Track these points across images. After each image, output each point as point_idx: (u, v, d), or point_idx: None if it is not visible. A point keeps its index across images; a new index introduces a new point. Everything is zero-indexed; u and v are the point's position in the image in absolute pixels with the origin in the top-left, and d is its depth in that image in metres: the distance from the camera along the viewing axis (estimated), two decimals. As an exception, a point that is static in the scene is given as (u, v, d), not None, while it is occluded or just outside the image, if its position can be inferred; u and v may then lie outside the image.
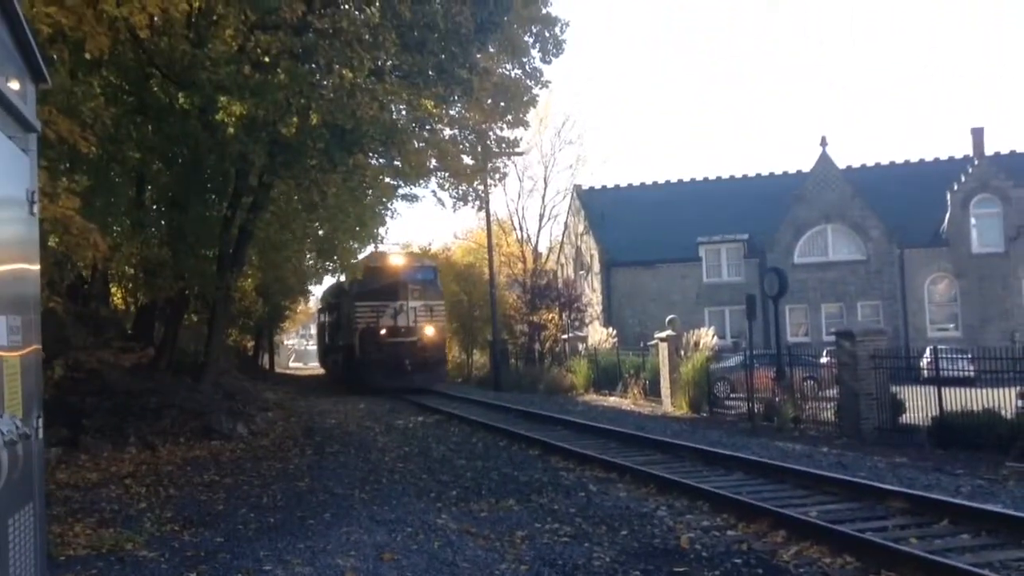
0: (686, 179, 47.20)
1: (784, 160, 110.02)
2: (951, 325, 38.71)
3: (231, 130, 15.56)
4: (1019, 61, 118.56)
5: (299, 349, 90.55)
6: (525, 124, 23.87)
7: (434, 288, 30.93)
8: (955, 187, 38.64)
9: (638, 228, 42.59)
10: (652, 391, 25.05)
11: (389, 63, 15.39)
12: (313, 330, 66.29)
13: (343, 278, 28.62)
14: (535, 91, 22.42)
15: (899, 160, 43.61)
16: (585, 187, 47.50)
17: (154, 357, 19.24)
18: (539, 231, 48.73)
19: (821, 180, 40.41)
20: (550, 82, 27.26)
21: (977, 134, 39.47)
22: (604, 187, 47.80)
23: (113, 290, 24.38)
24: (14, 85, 3.12)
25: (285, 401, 25.17)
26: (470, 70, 15.94)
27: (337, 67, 13.89)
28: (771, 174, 45.39)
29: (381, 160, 20.32)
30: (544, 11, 20.82)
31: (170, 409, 15.85)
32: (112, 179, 17.01)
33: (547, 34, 20.99)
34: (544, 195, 47.70)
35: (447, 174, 24.05)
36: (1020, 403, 14.43)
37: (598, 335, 34.82)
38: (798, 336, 38.47)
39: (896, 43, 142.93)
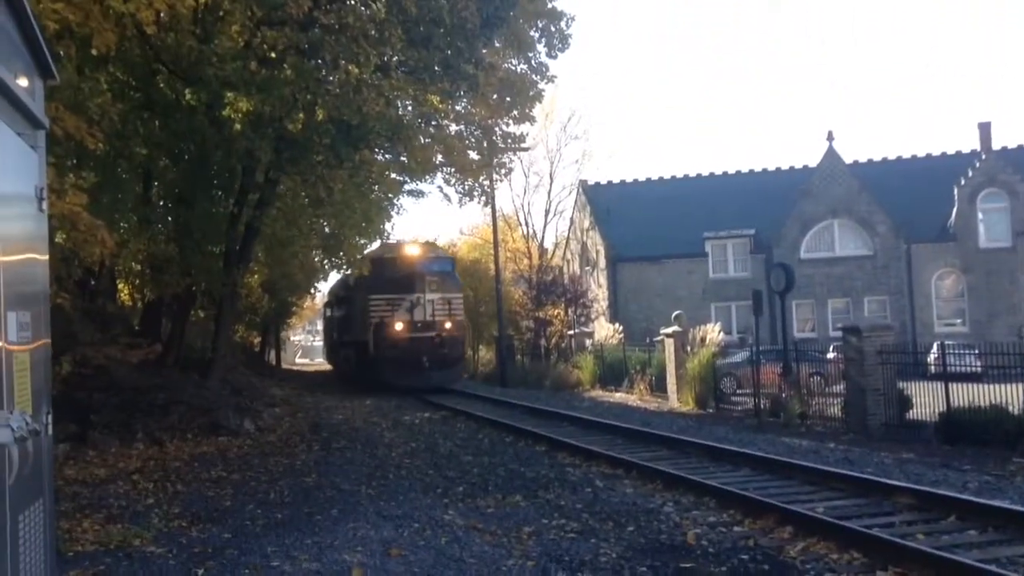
0: (692, 174, 47.08)
1: (790, 155, 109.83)
2: (958, 320, 38.59)
3: (237, 126, 15.59)
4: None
5: (306, 345, 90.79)
6: (531, 119, 23.81)
7: (452, 280, 29.36)
8: (962, 182, 38.49)
9: (644, 223, 42.51)
10: (658, 387, 25.02)
11: (395, 59, 15.39)
12: (320, 326, 66.16)
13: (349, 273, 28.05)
14: (541, 86, 22.38)
15: (906, 155, 43.43)
16: (591, 182, 47.42)
17: (161, 353, 19.30)
18: (545, 227, 48.67)
19: (828, 175, 40.28)
20: (556, 77, 27.21)
21: (984, 128, 39.29)
22: (610, 182, 47.72)
23: (120, 286, 24.45)
24: (23, 82, 3.12)
25: (292, 397, 25.22)
26: (476, 65, 15.93)
27: (343, 63, 13.90)
28: (777, 169, 45.26)
29: (387, 156, 20.34)
30: (550, 6, 20.76)
31: (177, 405, 15.90)
32: (119, 175, 17.06)
33: (553, 29, 20.94)
34: (550, 191, 47.64)
35: (453, 169, 24.04)
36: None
37: (604, 331, 34.81)
38: (804, 332, 38.36)
39: (902, 37, 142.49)
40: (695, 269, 41.87)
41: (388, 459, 12.93)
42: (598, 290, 43.35)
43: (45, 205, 3.34)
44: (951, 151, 42.39)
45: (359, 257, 24.75)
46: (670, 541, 7.56)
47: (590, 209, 45.62)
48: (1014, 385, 14.24)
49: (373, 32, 13.72)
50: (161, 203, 20.92)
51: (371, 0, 14.65)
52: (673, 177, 47.33)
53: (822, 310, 39.70)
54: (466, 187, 25.45)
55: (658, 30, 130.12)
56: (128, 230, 18.02)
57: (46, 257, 3.41)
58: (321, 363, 59.46)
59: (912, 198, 38.87)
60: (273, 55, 14.58)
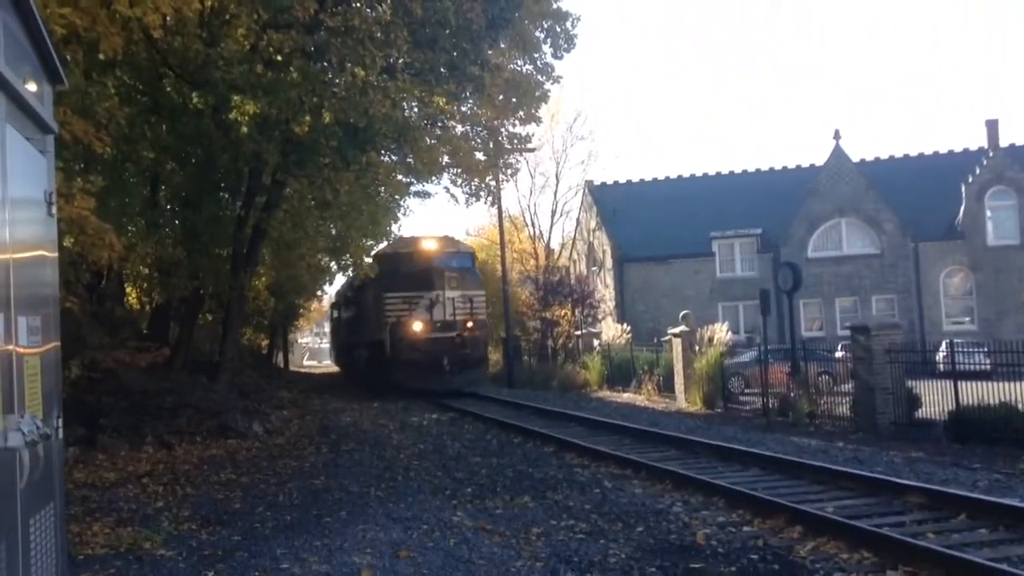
0: (699, 174, 47.08)
1: (797, 154, 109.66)
2: (967, 318, 38.48)
3: (244, 129, 15.62)
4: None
5: (313, 347, 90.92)
6: (537, 120, 23.85)
7: (473, 276, 27.58)
8: (970, 179, 38.37)
9: (651, 223, 42.50)
10: (666, 387, 25.00)
11: (401, 60, 15.41)
12: (327, 328, 66.10)
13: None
14: (546, 86, 22.42)
15: (913, 153, 43.35)
16: (597, 183, 47.44)
17: (169, 356, 19.35)
18: (551, 227, 48.79)
19: (835, 173, 40.21)
20: (561, 77, 27.34)
21: (992, 126, 39.16)
22: (616, 183, 47.73)
23: (128, 290, 24.52)
24: (31, 87, 3.13)
25: (300, 399, 25.25)
26: (482, 67, 15.94)
27: (349, 65, 13.92)
28: (784, 168, 45.21)
29: (394, 157, 20.37)
30: (555, 6, 20.79)
31: (186, 408, 15.93)
32: (126, 179, 17.10)
33: (558, 29, 20.97)
34: (556, 191, 47.74)
35: (459, 170, 24.08)
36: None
37: (611, 331, 34.80)
38: (812, 331, 38.30)
39: (908, 34, 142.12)
40: (702, 269, 41.83)
41: (396, 461, 12.94)
42: (605, 290, 43.34)
43: (54, 209, 3.35)
44: (958, 148, 42.33)
45: (366, 260, 24.73)
46: (679, 541, 7.55)
47: (596, 209, 45.62)
48: (1023, 383, 14.19)
49: (379, 34, 13.75)
50: (168, 206, 20.99)
51: (377, 2, 14.69)
52: (679, 177, 47.32)
53: (830, 309, 39.63)
54: (472, 187, 25.50)
55: (665, 26, 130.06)
56: (136, 234, 18.08)
57: (56, 261, 3.42)
58: (328, 365, 59.51)
59: (919, 196, 38.77)
60: (279, 58, 14.62)
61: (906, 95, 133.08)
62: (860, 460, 12.15)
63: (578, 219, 48.71)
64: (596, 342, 35.56)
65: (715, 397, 21.92)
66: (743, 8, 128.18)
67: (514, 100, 22.08)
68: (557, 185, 47.34)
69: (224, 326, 20.94)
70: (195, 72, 14.58)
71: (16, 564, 2.67)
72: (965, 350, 17.60)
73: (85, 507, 9.17)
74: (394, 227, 26.57)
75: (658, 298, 41.36)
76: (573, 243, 49.65)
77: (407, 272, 25.76)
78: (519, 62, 21.99)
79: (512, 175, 32.61)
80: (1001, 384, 14.61)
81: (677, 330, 24.12)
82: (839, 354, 21.91)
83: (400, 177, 22.31)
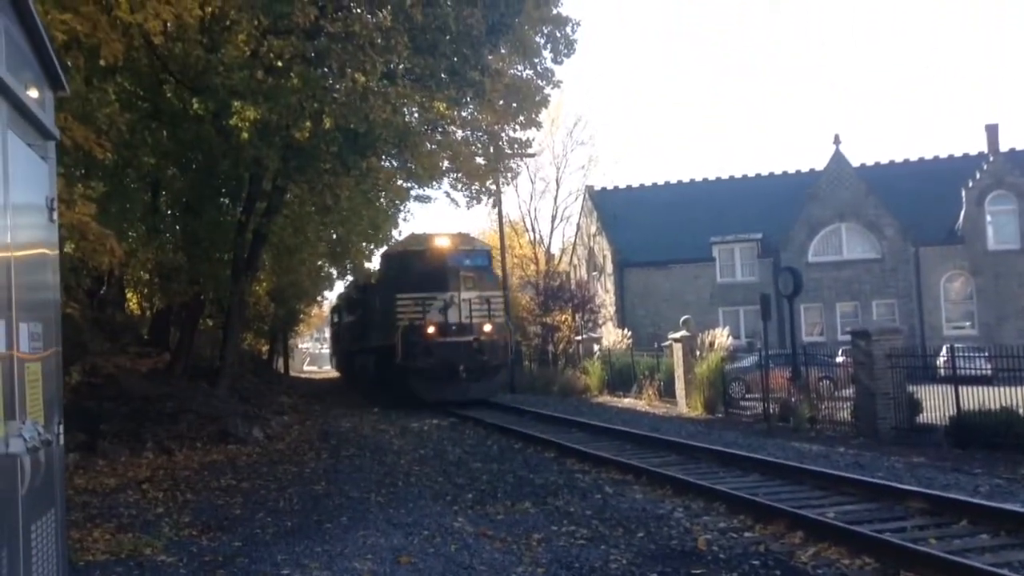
0: (698, 179, 47.11)
1: (797, 158, 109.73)
2: (967, 323, 38.46)
3: (245, 135, 15.65)
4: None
5: (314, 352, 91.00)
6: (538, 124, 23.87)
7: (490, 276, 25.70)
8: (970, 184, 38.39)
9: (651, 228, 42.53)
10: (667, 392, 24.98)
11: (401, 66, 15.44)
12: (327, 333, 65.95)
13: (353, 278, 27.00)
14: (547, 91, 22.46)
15: (913, 157, 43.39)
16: (597, 188, 47.50)
17: (170, 362, 19.38)
18: (551, 232, 48.83)
19: (835, 178, 40.24)
20: (561, 82, 27.33)
21: (991, 131, 39.18)
22: (616, 188, 47.79)
23: (129, 295, 24.57)
24: (33, 93, 3.14)
25: (300, 405, 25.22)
26: (482, 72, 15.97)
27: (350, 71, 13.95)
28: (784, 173, 45.26)
29: (394, 163, 20.40)
30: (555, 11, 20.83)
31: (186, 414, 15.93)
32: (127, 185, 17.15)
33: (558, 34, 21.01)
34: (556, 196, 47.79)
35: (460, 175, 24.10)
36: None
37: (612, 336, 34.75)
38: (813, 335, 38.29)
39: (907, 38, 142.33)
40: (702, 274, 41.84)
41: (397, 466, 12.92)
42: (605, 295, 43.34)
43: (55, 215, 3.35)
44: (958, 153, 42.32)
45: (367, 265, 24.67)
46: (680, 547, 7.54)
47: (597, 214, 45.66)
48: (1024, 388, 14.18)
49: (379, 40, 13.77)
50: (169, 212, 21.03)
51: (377, 8, 14.71)
52: (679, 182, 47.36)
53: (830, 314, 39.63)
54: (473, 191, 25.53)
55: (663, 29, 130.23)
56: (136, 239, 18.11)
57: (57, 267, 3.42)
58: (328, 371, 59.49)
59: (920, 201, 38.79)
60: (280, 64, 14.64)
61: (906, 99, 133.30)
62: (861, 465, 12.13)
63: (578, 224, 48.75)
64: (596, 347, 35.56)
65: (716, 402, 21.90)
66: (742, 11, 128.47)
67: (514, 105, 22.11)
68: (557, 190, 47.44)
69: (224, 331, 20.97)
70: (196, 78, 14.61)
71: (17, 570, 2.66)
72: (966, 355, 17.58)
73: (86, 513, 9.16)
74: (394, 232, 26.64)
75: (658, 303, 41.37)
76: (573, 248, 49.68)
77: (419, 272, 23.75)
78: (519, 67, 22.03)
79: (512, 178, 32.64)
80: (1002, 389, 14.60)
81: (678, 335, 24.11)
82: (840, 359, 21.89)
83: (400, 182, 22.33)
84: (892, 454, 13.57)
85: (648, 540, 7.82)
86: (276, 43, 14.05)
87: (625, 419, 20.01)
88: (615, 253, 43.25)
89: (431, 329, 23.06)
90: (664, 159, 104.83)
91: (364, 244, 25.98)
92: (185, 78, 14.99)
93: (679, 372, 23.74)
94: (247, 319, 27.94)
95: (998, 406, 14.30)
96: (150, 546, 7.70)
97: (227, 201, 20.29)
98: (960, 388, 14.97)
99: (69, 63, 10.30)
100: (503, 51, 19.36)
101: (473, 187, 25.13)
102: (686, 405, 22.98)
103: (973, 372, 16.46)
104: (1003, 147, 39.37)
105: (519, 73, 22.07)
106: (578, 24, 20.98)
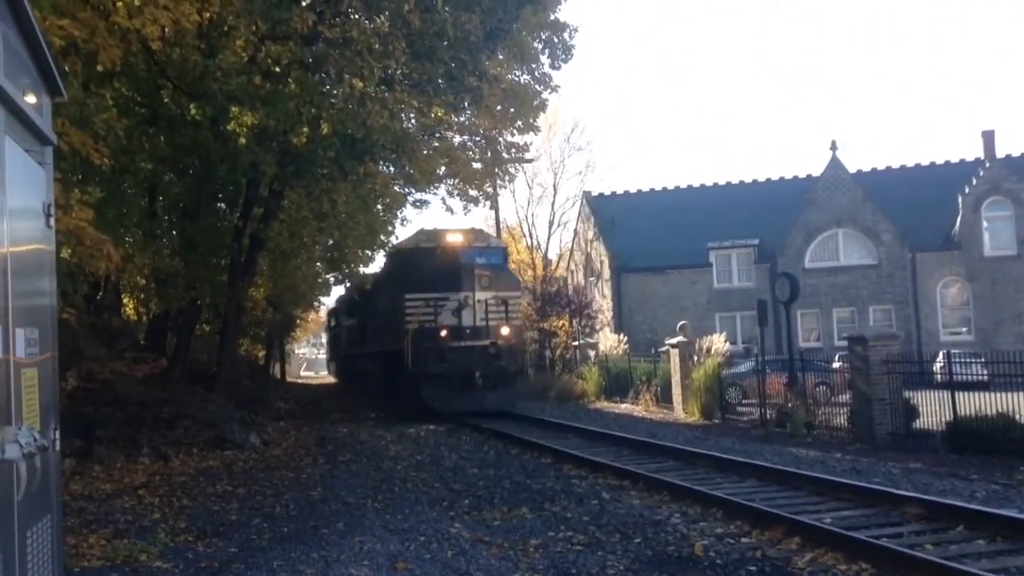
0: (696, 184, 47.15)
1: (794, 164, 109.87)
2: (964, 329, 38.50)
3: (242, 140, 15.67)
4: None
5: (310, 358, 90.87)
6: (536, 129, 23.93)
7: (506, 275, 23.74)
8: (966, 190, 38.46)
9: (648, 234, 42.58)
10: (664, 398, 24.96)
11: (399, 72, 15.47)
12: (324, 338, 65.70)
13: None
14: (544, 95, 22.54)
15: (910, 163, 43.49)
16: (595, 193, 47.50)
17: (166, 367, 19.36)
18: (549, 238, 48.75)
19: (831, 184, 40.29)
20: (559, 86, 27.42)
21: (988, 137, 39.27)
22: (614, 193, 47.81)
23: (126, 301, 24.55)
24: (31, 99, 3.14)
25: (297, 410, 25.18)
26: (479, 77, 16.01)
27: (347, 76, 13.98)
28: (781, 178, 45.31)
29: (391, 168, 20.40)
30: (553, 17, 20.89)
31: (183, 419, 15.90)
32: (124, 190, 17.14)
33: (556, 40, 21.07)
34: (553, 202, 47.72)
35: (456, 181, 24.12)
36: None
37: (609, 342, 34.71)
38: (810, 341, 38.31)
39: (904, 45, 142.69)
40: (699, 279, 41.88)
41: (394, 472, 12.91)
42: (602, 301, 43.34)
43: (52, 221, 3.36)
44: (955, 159, 42.42)
45: (363, 270, 24.58)
46: (677, 553, 7.53)
47: (594, 220, 45.68)
48: (1021, 393, 14.19)
49: (377, 46, 13.81)
50: (166, 217, 21.03)
51: (375, 14, 14.74)
52: (677, 187, 47.42)
53: (827, 320, 39.65)
54: (469, 197, 25.57)
55: (661, 34, 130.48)
56: (133, 244, 18.10)
57: (54, 272, 3.42)
58: (325, 376, 59.39)
59: (916, 207, 38.85)
60: (277, 69, 14.66)
61: (902, 106, 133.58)
62: (858, 471, 12.13)
63: (576, 230, 48.76)
64: (593, 352, 35.53)
65: (713, 408, 21.90)
66: (739, 18, 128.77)
67: (512, 110, 22.17)
68: (555, 196, 47.38)
69: (221, 337, 20.95)
70: (193, 83, 14.61)
71: (13, 576, 2.66)
72: (962, 361, 17.58)
73: (81, 519, 9.14)
74: (392, 239, 26.60)
75: (655, 308, 41.39)
76: (571, 253, 49.68)
77: (430, 270, 22.02)
78: (517, 72, 22.09)
79: (509, 180, 32.60)
80: (998, 395, 14.61)
81: (675, 340, 24.11)
82: (836, 365, 21.89)
83: (397, 188, 22.33)
84: (889, 459, 13.58)
85: (645, 546, 7.81)
86: (274, 49, 14.07)
87: (622, 425, 20.01)
88: (612, 259, 43.27)
89: (444, 332, 21.36)
90: (661, 165, 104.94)
91: (360, 250, 25.96)
92: (183, 83, 15.00)
93: (676, 378, 23.74)
94: (244, 325, 27.88)
95: (994, 412, 14.30)
96: (146, 552, 7.68)
97: (224, 206, 20.29)
98: (956, 394, 14.98)
99: (67, 68, 10.29)
100: (501, 57, 19.41)
101: (470, 192, 25.16)
102: (683, 411, 22.97)
103: (969, 378, 16.46)
104: (999, 153, 39.48)
105: (517, 78, 22.13)
106: (576, 30, 21.07)
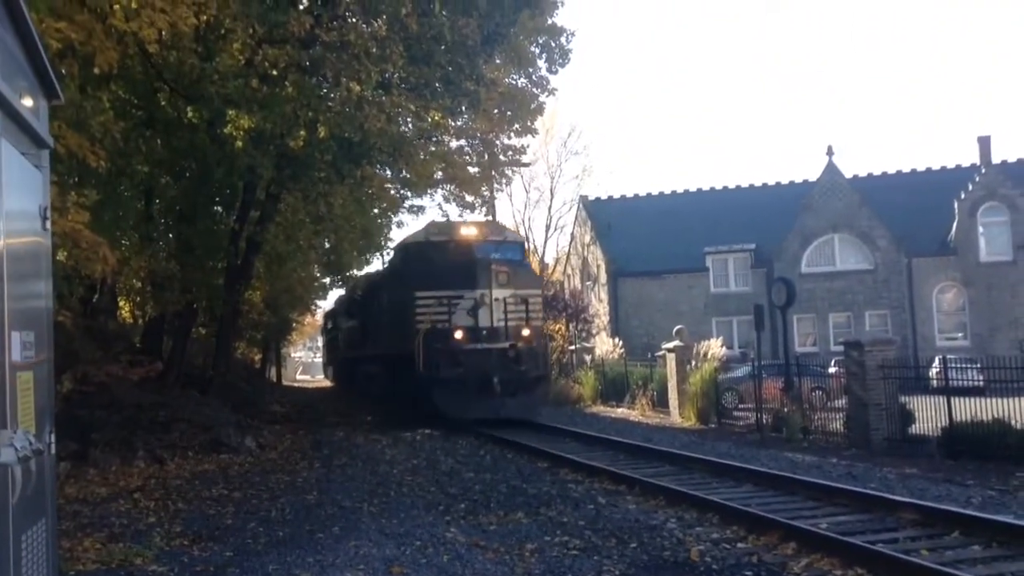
0: (692, 189, 47.27)
1: (791, 169, 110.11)
2: (960, 334, 38.57)
3: (239, 143, 15.66)
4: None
5: (306, 361, 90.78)
6: (533, 132, 23.96)
7: (526, 271, 21.93)
8: (962, 195, 38.56)
9: (645, 238, 42.61)
10: (660, 402, 24.97)
11: (396, 75, 15.48)
12: (320, 342, 65.30)
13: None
14: (542, 99, 22.57)
15: (906, 169, 43.57)
16: (591, 198, 47.57)
17: (162, 371, 19.30)
18: (545, 242, 48.82)
19: (828, 189, 40.37)
20: (556, 90, 27.46)
21: (984, 142, 39.42)
22: (611, 197, 47.88)
23: (121, 303, 24.50)
24: (27, 102, 3.14)
25: (293, 414, 25.14)
26: (477, 82, 16.03)
27: (344, 80, 13.98)
28: (777, 183, 45.40)
29: (388, 171, 20.40)
30: (550, 22, 20.93)
31: (179, 423, 15.86)
32: (121, 193, 17.14)
33: (553, 44, 21.10)
34: (550, 206, 47.84)
35: (453, 186, 24.13)
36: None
37: (605, 346, 34.76)
38: (806, 346, 38.34)
39: (900, 51, 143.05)
40: (696, 284, 41.92)
41: (390, 476, 12.88)
42: (599, 305, 43.36)
43: (48, 223, 3.35)
44: (951, 165, 42.58)
45: (357, 273, 24.54)
46: (673, 558, 7.53)
47: (591, 224, 45.72)
48: (1016, 399, 14.23)
49: (374, 49, 13.82)
50: (162, 220, 21.01)
51: (372, 18, 14.75)
52: (674, 192, 47.52)
53: (823, 324, 39.70)
54: (466, 202, 25.59)
55: (658, 39, 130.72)
56: (129, 247, 18.09)
57: (50, 276, 3.41)
58: (322, 379, 59.25)
59: (912, 212, 38.94)
60: (275, 72, 14.67)
61: (899, 111, 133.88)
62: (854, 476, 12.14)
63: (572, 234, 48.80)
64: (589, 357, 35.55)
65: (709, 412, 21.91)
66: (736, 23, 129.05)
67: (509, 113, 22.20)
68: (551, 200, 47.50)
69: (217, 340, 20.93)
70: (190, 86, 14.61)
71: (7, 581, 2.65)
72: (958, 366, 17.62)
73: (76, 522, 9.11)
74: (388, 243, 26.61)
75: (652, 313, 41.42)
76: (567, 258, 49.71)
77: (443, 266, 20.20)
78: (514, 76, 22.12)
79: (506, 185, 32.64)
80: (994, 400, 14.64)
81: (671, 345, 24.11)
82: (832, 370, 21.93)
83: (393, 192, 22.35)
84: (884, 465, 13.59)
85: (641, 551, 7.81)
86: (271, 52, 14.07)
87: (618, 429, 19.99)
88: (609, 263, 43.30)
89: (459, 334, 19.55)
90: (658, 169, 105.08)
91: (356, 253, 25.97)
92: (180, 86, 15.00)
93: (672, 382, 23.74)
94: (240, 328, 27.84)
95: (990, 417, 14.33)
96: (141, 556, 7.66)
97: (221, 209, 20.28)
98: (952, 399, 15.01)
99: (63, 71, 10.28)
100: (498, 61, 19.44)
101: (466, 197, 25.18)
102: (679, 415, 22.97)
103: (965, 383, 16.50)
104: (995, 159, 39.63)
105: (514, 82, 22.16)
106: (573, 34, 21.11)
